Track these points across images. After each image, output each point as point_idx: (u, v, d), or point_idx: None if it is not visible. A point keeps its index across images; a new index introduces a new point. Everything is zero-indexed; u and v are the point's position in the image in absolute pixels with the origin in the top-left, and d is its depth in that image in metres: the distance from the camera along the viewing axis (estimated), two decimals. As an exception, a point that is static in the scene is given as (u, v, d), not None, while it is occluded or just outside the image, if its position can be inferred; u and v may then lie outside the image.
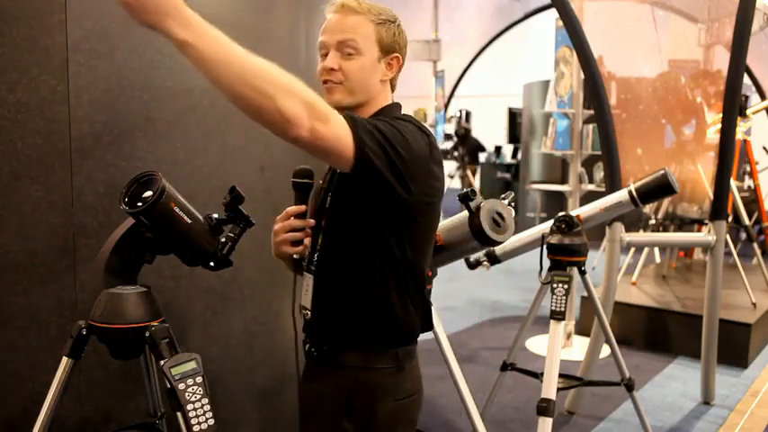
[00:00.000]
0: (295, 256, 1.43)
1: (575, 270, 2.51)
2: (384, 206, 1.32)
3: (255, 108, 1.08)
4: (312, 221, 1.42)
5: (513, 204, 2.03)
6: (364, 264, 1.37)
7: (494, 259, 2.83)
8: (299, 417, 1.49)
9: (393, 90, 1.48)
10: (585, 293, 3.03)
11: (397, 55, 1.43)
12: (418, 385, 1.47)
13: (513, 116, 10.32)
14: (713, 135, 3.97)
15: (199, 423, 1.43)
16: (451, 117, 10.83)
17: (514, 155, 10.88)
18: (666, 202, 4.95)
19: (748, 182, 5.70)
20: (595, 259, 6.49)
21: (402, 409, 1.41)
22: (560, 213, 2.55)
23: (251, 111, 1.09)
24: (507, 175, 10.75)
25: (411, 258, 1.38)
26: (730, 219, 4.75)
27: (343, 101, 1.39)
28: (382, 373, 1.39)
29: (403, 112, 1.46)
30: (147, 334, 1.52)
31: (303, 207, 1.41)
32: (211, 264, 1.63)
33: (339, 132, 1.17)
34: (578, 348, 4.21)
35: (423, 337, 1.49)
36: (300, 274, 1.48)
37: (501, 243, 1.76)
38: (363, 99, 1.41)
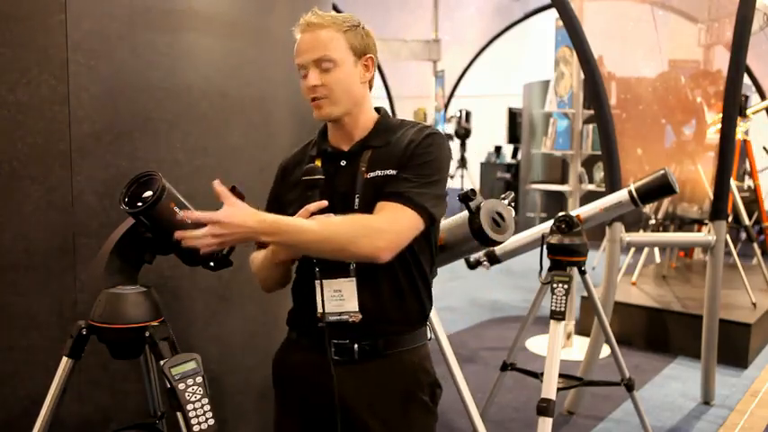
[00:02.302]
0: (315, 260, 1.39)
1: (575, 270, 2.51)
2: None
3: (340, 258, 1.37)
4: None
5: (513, 204, 2.03)
6: (402, 256, 1.43)
7: (494, 259, 2.83)
8: (345, 414, 1.43)
9: (371, 88, 1.54)
10: (585, 293, 3.03)
11: (371, 55, 1.49)
12: None
13: (513, 116, 10.31)
14: (713, 135, 3.96)
15: (199, 423, 1.43)
16: (451, 117, 10.81)
17: (514, 155, 10.86)
18: (666, 202, 4.94)
19: (748, 182, 5.69)
20: (595, 259, 6.49)
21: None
22: (560, 213, 2.55)
23: (340, 259, 1.38)
24: (507, 175, 10.73)
25: (431, 242, 1.52)
26: (730, 219, 4.75)
27: (333, 113, 1.45)
28: (425, 346, 1.54)
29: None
30: (147, 334, 1.52)
31: (325, 203, 1.37)
32: (211, 264, 1.63)
33: (406, 225, 1.37)
34: (578, 348, 4.21)
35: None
36: (314, 281, 1.41)
37: (501, 243, 1.77)
38: (350, 106, 1.47)
